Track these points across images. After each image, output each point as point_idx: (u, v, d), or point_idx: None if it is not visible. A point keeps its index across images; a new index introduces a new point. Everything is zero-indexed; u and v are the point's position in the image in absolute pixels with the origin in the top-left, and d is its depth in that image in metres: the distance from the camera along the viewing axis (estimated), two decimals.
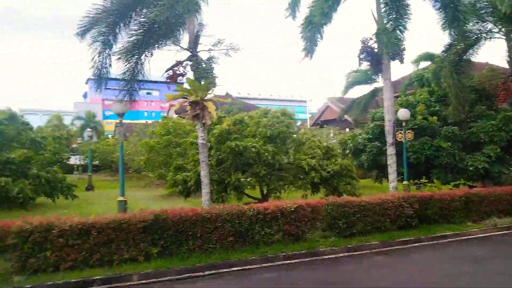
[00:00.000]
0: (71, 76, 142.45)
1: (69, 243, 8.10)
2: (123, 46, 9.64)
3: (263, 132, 12.83)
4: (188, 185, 13.88)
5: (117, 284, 7.79)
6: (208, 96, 10.47)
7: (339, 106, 32.88)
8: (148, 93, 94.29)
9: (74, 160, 40.53)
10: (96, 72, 10.72)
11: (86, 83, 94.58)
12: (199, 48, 10.63)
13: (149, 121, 49.55)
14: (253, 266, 8.78)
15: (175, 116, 30.73)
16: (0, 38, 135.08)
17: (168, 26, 8.96)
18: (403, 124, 14.75)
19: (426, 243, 10.79)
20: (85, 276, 7.81)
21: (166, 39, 9.63)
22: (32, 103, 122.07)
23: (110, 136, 52.39)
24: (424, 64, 23.72)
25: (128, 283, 7.87)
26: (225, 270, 8.52)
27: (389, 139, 13.16)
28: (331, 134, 28.70)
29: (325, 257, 9.53)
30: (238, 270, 8.57)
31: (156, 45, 9.71)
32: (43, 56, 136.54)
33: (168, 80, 10.81)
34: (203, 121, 10.51)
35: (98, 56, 10.50)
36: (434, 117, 17.25)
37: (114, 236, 8.41)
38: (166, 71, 10.78)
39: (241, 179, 12.34)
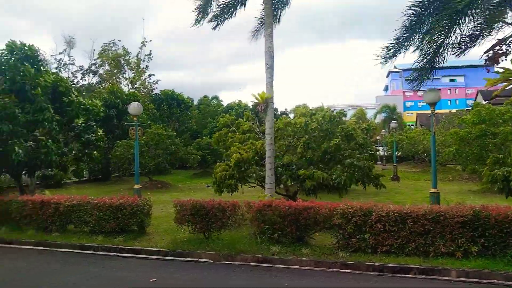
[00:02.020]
0: (374, 71, 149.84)
1: (386, 229, 8.52)
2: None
3: None
4: (510, 183, 12.07)
5: (435, 276, 7.64)
6: None
7: None
8: (451, 80, 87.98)
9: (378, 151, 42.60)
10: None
11: (387, 76, 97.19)
12: None
13: (453, 110, 46.15)
14: None
15: (484, 102, 27.41)
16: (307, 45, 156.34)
17: None
18: None
19: None
20: (401, 263, 8.04)
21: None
22: (341, 99, 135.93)
23: (412, 127, 52.05)
24: None
25: (446, 278, 7.59)
26: None
27: None
28: None
29: None
30: None
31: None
32: (350, 56, 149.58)
33: (487, 63, 9.65)
34: None
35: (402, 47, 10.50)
36: None
37: (430, 228, 8.27)
38: (485, 53, 9.65)
39: None
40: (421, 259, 8.17)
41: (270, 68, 11.56)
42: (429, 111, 11.54)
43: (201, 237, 10.25)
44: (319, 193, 13.89)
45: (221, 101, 51.17)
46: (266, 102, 11.43)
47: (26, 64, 14.63)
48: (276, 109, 42.22)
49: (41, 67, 16.01)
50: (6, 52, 14.91)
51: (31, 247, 10.76)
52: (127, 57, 42.52)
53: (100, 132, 17.47)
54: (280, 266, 8.58)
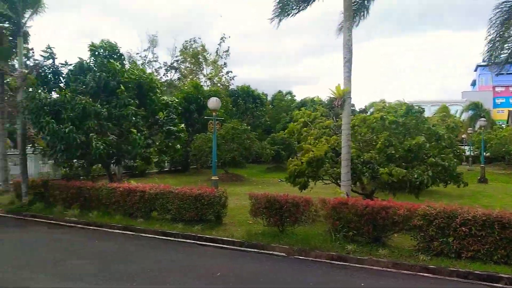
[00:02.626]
0: (460, 65, 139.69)
1: (472, 233, 7.95)
2: None
3: None
4: None
5: None
6: None
7: None
8: None
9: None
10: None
11: (475, 70, 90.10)
12: None
13: None
14: None
15: None
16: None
17: None
18: None
19: None
20: (489, 271, 7.47)
21: None
22: (423, 95, 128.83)
23: (503, 125, 47.82)
24: None
25: None
26: None
27: None
28: None
29: None
30: None
31: None
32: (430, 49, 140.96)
33: None
34: None
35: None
36: None
37: None
38: None
39: None
40: None
41: (348, 62, 11.28)
42: None
43: (275, 231, 10.36)
44: (396, 192, 13.32)
45: (294, 96, 51.09)
46: (343, 96, 11.18)
47: (112, 61, 15.70)
48: (353, 105, 41.17)
49: (123, 62, 17.06)
50: (90, 54, 16.10)
51: (119, 231, 11.65)
52: (205, 54, 44.03)
53: (182, 125, 18.30)
54: (355, 265, 8.40)
